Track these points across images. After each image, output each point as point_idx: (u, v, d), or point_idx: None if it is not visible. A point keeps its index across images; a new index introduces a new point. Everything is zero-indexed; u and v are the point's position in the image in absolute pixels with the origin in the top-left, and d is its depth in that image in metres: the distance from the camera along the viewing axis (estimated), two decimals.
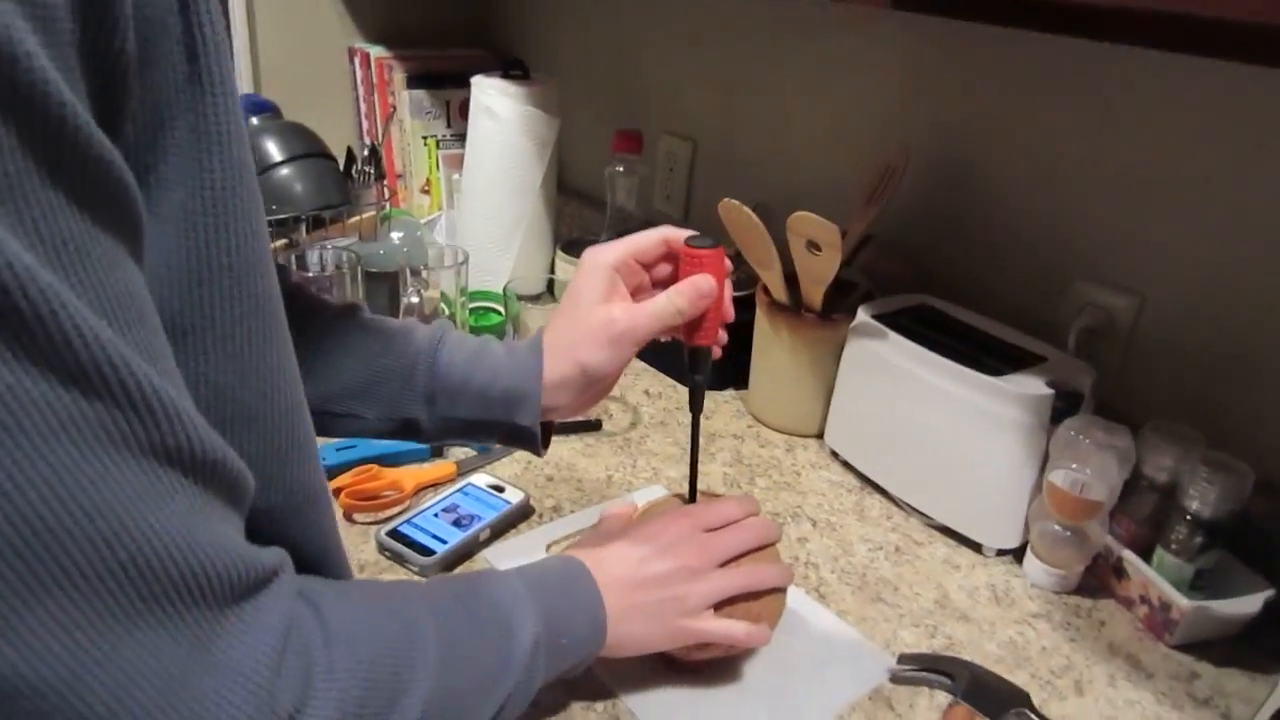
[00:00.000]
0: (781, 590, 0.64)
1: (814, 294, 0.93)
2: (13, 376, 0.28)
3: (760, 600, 0.62)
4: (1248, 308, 0.78)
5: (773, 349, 0.98)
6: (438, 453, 0.89)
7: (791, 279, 0.94)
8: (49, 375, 0.29)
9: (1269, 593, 0.72)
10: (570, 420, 0.96)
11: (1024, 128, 0.91)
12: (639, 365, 1.11)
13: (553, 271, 1.27)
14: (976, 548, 0.83)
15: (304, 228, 1.19)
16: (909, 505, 0.87)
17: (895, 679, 0.67)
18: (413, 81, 1.46)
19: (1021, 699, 0.64)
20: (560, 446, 0.93)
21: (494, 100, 1.20)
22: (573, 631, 0.56)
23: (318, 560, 0.47)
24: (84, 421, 0.30)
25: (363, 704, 0.42)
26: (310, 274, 0.99)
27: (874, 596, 0.76)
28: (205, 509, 0.35)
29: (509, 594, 0.54)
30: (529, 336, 0.66)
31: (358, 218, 1.25)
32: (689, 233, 0.63)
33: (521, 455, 0.91)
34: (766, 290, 0.97)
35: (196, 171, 0.36)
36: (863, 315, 0.89)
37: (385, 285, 1.09)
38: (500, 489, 0.83)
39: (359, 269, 1.01)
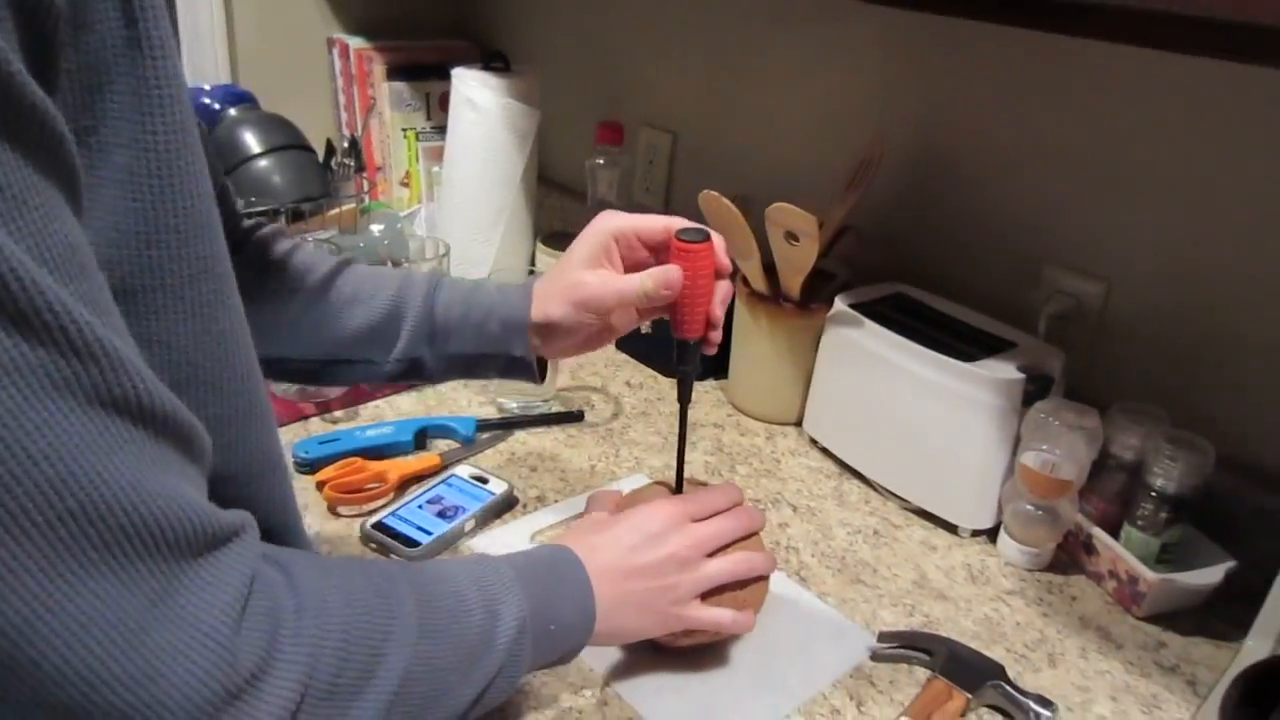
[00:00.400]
0: (766, 578, 0.66)
1: (793, 283, 0.94)
2: None
3: (746, 588, 0.64)
4: (1209, 293, 0.81)
5: (752, 338, 1.00)
6: (421, 445, 0.90)
7: (770, 269, 0.96)
8: None
9: (1231, 564, 0.75)
10: (552, 413, 0.98)
11: (995, 121, 0.93)
12: (620, 357, 1.13)
13: (533, 264, 1.28)
14: (952, 529, 0.85)
15: (283, 220, 1.18)
16: (886, 489, 0.89)
17: (876, 656, 0.69)
18: (393, 73, 1.45)
19: (997, 672, 0.66)
20: (543, 437, 0.95)
21: (475, 92, 1.20)
22: (561, 619, 0.56)
23: (281, 530, 0.48)
24: (26, 367, 0.31)
25: (336, 673, 0.41)
26: None
27: (854, 578, 0.78)
28: (158, 462, 0.35)
29: (495, 576, 0.53)
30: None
31: (337, 210, 1.25)
32: (690, 225, 0.64)
33: (504, 447, 0.92)
34: (746, 280, 0.99)
35: (139, 133, 0.37)
36: (840, 304, 0.91)
37: None
38: (484, 480, 0.84)
39: None
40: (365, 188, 1.31)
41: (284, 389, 0.95)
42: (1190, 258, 0.82)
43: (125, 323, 0.36)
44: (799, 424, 1.00)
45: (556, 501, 0.84)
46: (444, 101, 1.41)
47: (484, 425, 0.94)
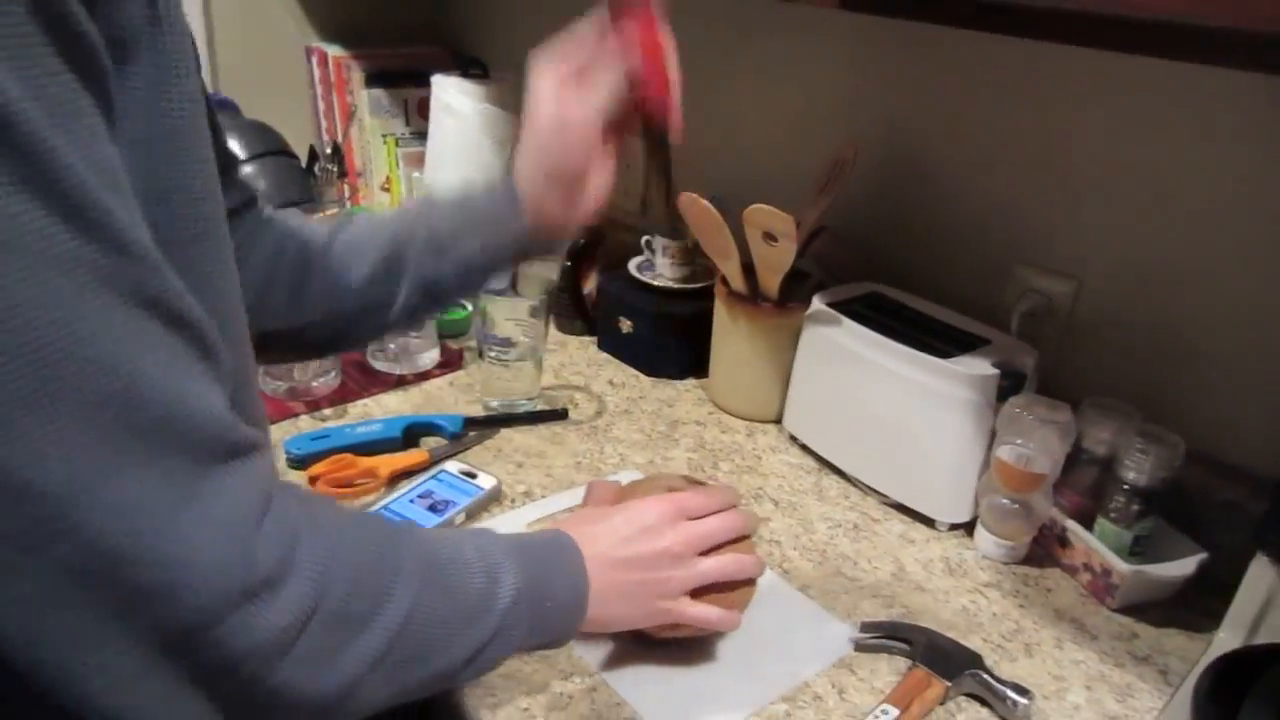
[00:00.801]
0: (754, 581, 0.67)
1: (771, 283, 0.96)
2: (13, 203, 0.31)
3: (734, 589, 0.65)
4: (1176, 290, 0.83)
5: (732, 337, 1.01)
6: (410, 442, 0.91)
7: (749, 269, 0.97)
8: (44, 208, 0.32)
9: (1201, 556, 0.77)
10: (537, 410, 0.99)
11: (965, 123, 0.95)
12: (602, 356, 1.14)
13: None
14: (930, 523, 0.87)
15: None
16: (865, 484, 0.91)
17: (857, 646, 0.70)
18: (371, 80, 1.46)
19: (975, 661, 0.67)
20: (529, 435, 0.95)
21: (454, 98, 1.21)
22: (556, 597, 0.57)
23: None
24: (76, 259, 0.33)
25: (345, 599, 0.43)
26: None
27: (834, 571, 0.79)
28: (189, 368, 0.38)
29: (496, 547, 0.54)
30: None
31: (321, 215, 1.25)
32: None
33: (491, 444, 0.93)
34: (725, 280, 1.00)
35: (157, 102, 0.39)
36: (817, 303, 0.92)
37: None
38: (473, 475, 0.85)
39: None
40: (347, 193, 1.32)
41: (274, 388, 0.95)
42: (1157, 257, 0.84)
43: None
44: (779, 421, 1.01)
45: (543, 496, 0.85)
46: (422, 107, 1.42)
47: (470, 423, 0.95)
